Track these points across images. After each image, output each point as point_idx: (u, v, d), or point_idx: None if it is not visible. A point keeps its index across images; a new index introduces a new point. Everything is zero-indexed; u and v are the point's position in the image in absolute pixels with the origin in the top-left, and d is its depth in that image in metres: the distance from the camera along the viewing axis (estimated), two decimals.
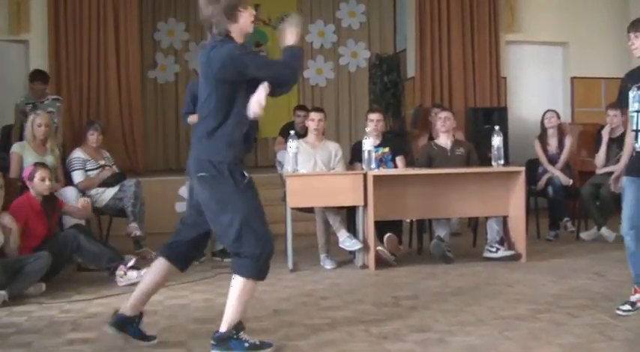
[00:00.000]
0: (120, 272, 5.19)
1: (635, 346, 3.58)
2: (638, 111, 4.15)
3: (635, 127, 4.18)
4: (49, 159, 6.13)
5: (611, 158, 6.84)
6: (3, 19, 8.51)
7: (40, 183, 5.22)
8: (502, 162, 5.97)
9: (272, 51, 10.43)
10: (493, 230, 6.00)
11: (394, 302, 4.57)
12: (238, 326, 3.47)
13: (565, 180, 7.03)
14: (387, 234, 5.90)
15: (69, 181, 6.38)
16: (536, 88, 9.89)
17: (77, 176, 6.39)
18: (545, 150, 7.24)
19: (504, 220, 6.06)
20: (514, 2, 9.67)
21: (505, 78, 9.75)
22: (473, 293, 4.76)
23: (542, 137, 7.30)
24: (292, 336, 3.81)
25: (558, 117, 7.41)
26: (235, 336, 3.45)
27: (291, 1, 11.29)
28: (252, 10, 3.46)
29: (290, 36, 3.50)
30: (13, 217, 4.99)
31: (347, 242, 5.72)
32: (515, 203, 5.94)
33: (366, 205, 5.70)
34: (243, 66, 3.34)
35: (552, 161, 7.18)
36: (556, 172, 7.07)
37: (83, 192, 6.28)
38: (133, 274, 5.18)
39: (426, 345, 3.61)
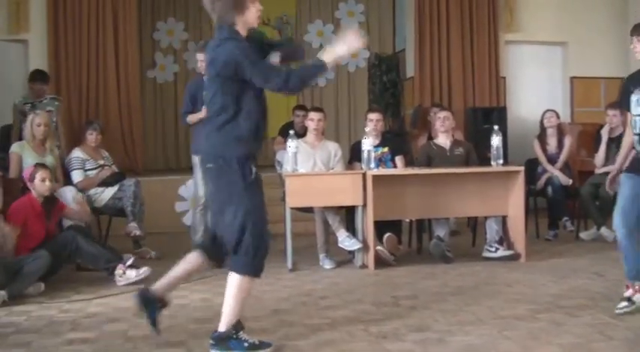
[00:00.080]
0: (119, 271, 5.18)
1: (635, 346, 3.58)
2: None
3: (637, 131, 4.18)
4: (49, 159, 6.13)
5: (611, 158, 6.84)
6: (2, 19, 8.50)
7: (40, 184, 5.23)
8: (501, 161, 5.97)
9: None
10: (492, 230, 6.00)
11: (393, 302, 4.57)
12: (237, 326, 3.47)
13: (564, 179, 7.03)
14: (387, 234, 5.90)
15: (68, 181, 6.38)
16: (536, 87, 9.89)
17: (76, 176, 6.39)
18: (544, 150, 7.24)
19: (504, 220, 6.06)
20: (513, 2, 9.66)
21: (504, 78, 9.75)
22: (472, 293, 4.76)
23: (542, 137, 7.30)
24: (291, 336, 3.81)
25: (558, 116, 7.41)
26: (235, 336, 3.45)
27: (290, 1, 11.30)
28: (260, 5, 3.47)
29: (348, 45, 3.39)
30: (12, 218, 5.01)
31: (346, 241, 5.72)
32: (514, 203, 5.94)
33: (365, 205, 5.70)
34: (241, 70, 3.34)
35: (552, 161, 7.18)
36: (555, 172, 7.07)
37: (82, 191, 6.27)
38: (131, 273, 5.17)
39: (426, 345, 3.61)
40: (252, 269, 3.45)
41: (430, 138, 7.36)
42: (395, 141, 6.96)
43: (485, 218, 6.10)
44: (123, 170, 7.09)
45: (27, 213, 5.14)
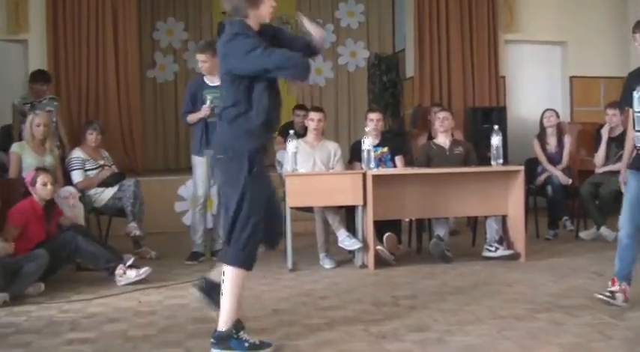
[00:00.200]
0: (119, 271, 5.18)
1: (634, 345, 3.58)
2: None
3: (639, 128, 4.18)
4: (48, 159, 6.13)
5: (611, 157, 6.85)
6: (2, 19, 8.51)
7: (42, 188, 5.24)
8: (501, 161, 5.98)
9: None
10: (492, 229, 6.00)
11: (393, 302, 4.57)
12: (238, 326, 3.48)
13: (564, 179, 7.03)
14: (387, 234, 5.90)
15: (68, 181, 6.38)
16: (535, 87, 9.89)
17: (76, 176, 6.39)
18: (544, 150, 7.24)
19: (503, 219, 6.06)
20: (513, 2, 9.66)
21: (504, 77, 9.75)
22: (472, 293, 4.76)
23: (541, 136, 7.30)
24: (291, 336, 3.81)
25: (557, 116, 7.40)
26: (235, 335, 3.46)
27: (290, 1, 11.29)
28: (274, 1, 3.51)
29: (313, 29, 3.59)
30: (13, 220, 5.05)
31: (346, 241, 5.73)
32: (514, 202, 5.95)
33: (365, 205, 5.70)
34: (245, 65, 3.37)
35: (551, 160, 7.18)
36: (555, 171, 7.07)
37: (82, 191, 6.28)
38: (132, 273, 5.18)
39: (425, 345, 3.61)
40: (242, 260, 3.45)
41: (430, 137, 7.36)
42: (395, 140, 6.97)
43: (485, 217, 6.11)
44: (123, 170, 7.09)
45: (28, 215, 5.15)
